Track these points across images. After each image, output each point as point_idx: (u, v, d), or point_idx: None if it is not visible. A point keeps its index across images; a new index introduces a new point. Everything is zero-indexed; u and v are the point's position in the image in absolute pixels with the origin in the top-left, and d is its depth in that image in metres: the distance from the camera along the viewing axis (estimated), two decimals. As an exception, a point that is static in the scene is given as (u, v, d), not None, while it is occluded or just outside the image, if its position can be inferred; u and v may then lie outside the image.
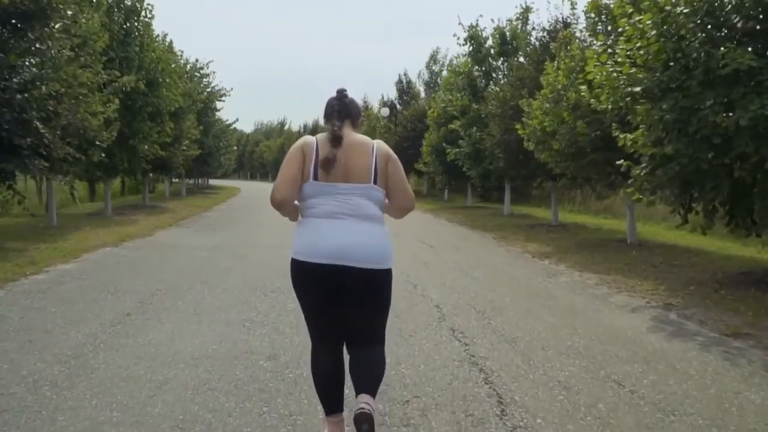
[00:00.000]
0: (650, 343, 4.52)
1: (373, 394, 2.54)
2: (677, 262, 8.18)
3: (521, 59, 15.62)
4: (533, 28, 14.91)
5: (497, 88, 15.40)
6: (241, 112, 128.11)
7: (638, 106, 6.30)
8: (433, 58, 39.09)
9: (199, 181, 37.13)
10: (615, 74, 6.73)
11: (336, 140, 2.59)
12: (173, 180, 29.37)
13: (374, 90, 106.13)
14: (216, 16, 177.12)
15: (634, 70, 6.46)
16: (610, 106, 7.11)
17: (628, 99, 6.82)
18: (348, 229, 2.53)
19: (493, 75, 17.08)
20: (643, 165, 6.83)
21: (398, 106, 32.94)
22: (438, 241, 10.68)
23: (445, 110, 20.34)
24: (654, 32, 6.25)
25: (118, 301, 5.66)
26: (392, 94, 37.51)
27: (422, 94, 37.34)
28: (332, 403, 2.69)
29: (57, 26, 11.06)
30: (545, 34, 13.51)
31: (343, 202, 2.56)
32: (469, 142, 16.93)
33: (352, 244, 2.51)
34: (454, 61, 21.51)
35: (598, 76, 6.80)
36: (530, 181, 14.94)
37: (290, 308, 5.39)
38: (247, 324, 4.85)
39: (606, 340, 4.57)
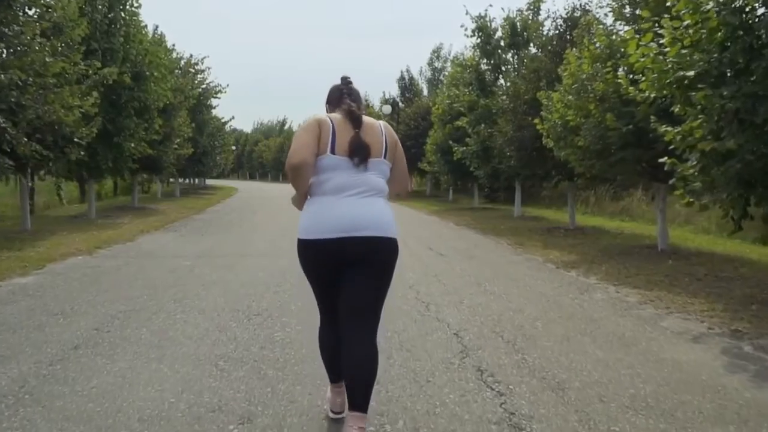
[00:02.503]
0: (735, 390, 3.52)
1: (365, 409, 2.55)
2: (724, 273, 7.17)
3: (533, 51, 14.61)
4: (548, 17, 13.89)
5: (508, 83, 14.38)
6: (240, 111, 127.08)
7: (693, 93, 5.29)
8: (436, 54, 38.05)
9: (196, 181, 36.15)
10: (661, 57, 5.73)
11: (358, 120, 2.67)
12: (170, 180, 28.44)
13: (375, 90, 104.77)
14: (215, 16, 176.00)
15: (686, 50, 5.46)
16: (653, 95, 6.10)
17: (674, 86, 5.84)
18: (356, 203, 2.59)
19: (503, 68, 16.02)
20: (694, 162, 5.84)
21: (400, 104, 31.87)
22: (448, 248, 9.68)
23: (450, 106, 19.31)
24: (711, 5, 5.26)
25: (69, 327, 4.66)
26: (393, 93, 36.52)
27: (425, 92, 36.27)
28: (338, 373, 2.80)
29: (31, 12, 10.14)
30: (562, 22, 12.50)
31: (353, 176, 2.61)
32: (477, 139, 15.91)
33: (361, 217, 2.58)
34: (459, 57, 20.43)
35: (642, 59, 5.79)
36: (545, 182, 13.92)
37: (277, 339, 4.40)
38: (221, 362, 3.85)
39: (677, 385, 3.57)
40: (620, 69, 8.21)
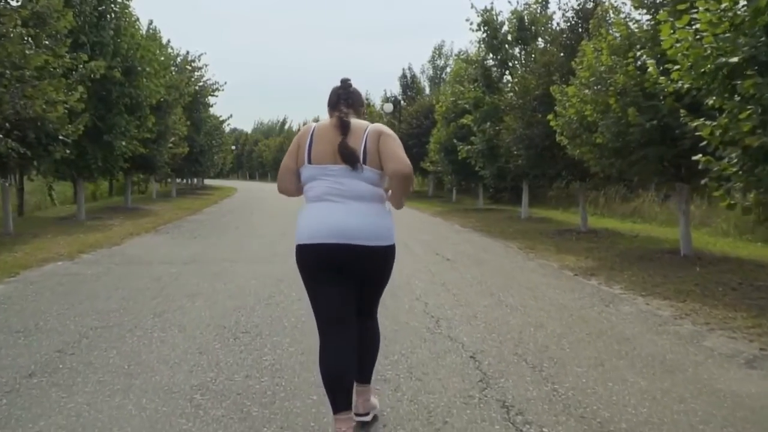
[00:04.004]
0: (816, 433, 2.92)
1: (368, 380, 2.92)
2: (760, 282, 6.56)
3: (541, 45, 14.00)
4: (559, 8, 13.25)
5: (515, 78, 13.77)
6: (240, 111, 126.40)
7: (739, 81, 4.69)
8: (438, 52, 37.39)
9: (195, 181, 35.53)
10: (698, 42, 5.12)
11: (344, 127, 2.66)
12: (167, 180, 27.84)
13: (375, 90, 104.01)
14: (216, 16, 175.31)
15: (729, 34, 4.86)
16: (687, 85, 5.50)
17: (713, 74, 5.24)
18: (339, 209, 2.60)
19: (509, 64, 15.37)
20: (734, 160, 5.24)
21: (402, 102, 31.21)
22: (455, 253, 9.07)
23: (455, 104, 18.67)
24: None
25: (28, 348, 4.06)
26: (395, 91, 35.80)
27: (427, 90, 35.62)
28: (340, 401, 2.62)
29: (13, 2, 9.57)
30: (573, 14, 11.87)
31: (333, 183, 2.63)
32: (483, 138, 15.29)
33: (345, 224, 2.58)
34: (464, 52, 19.77)
35: (677, 44, 5.18)
36: (554, 182, 13.29)
37: (266, 363, 3.79)
38: (198, 396, 3.25)
39: (744, 427, 2.97)
40: (641, 59, 7.63)
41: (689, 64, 5.22)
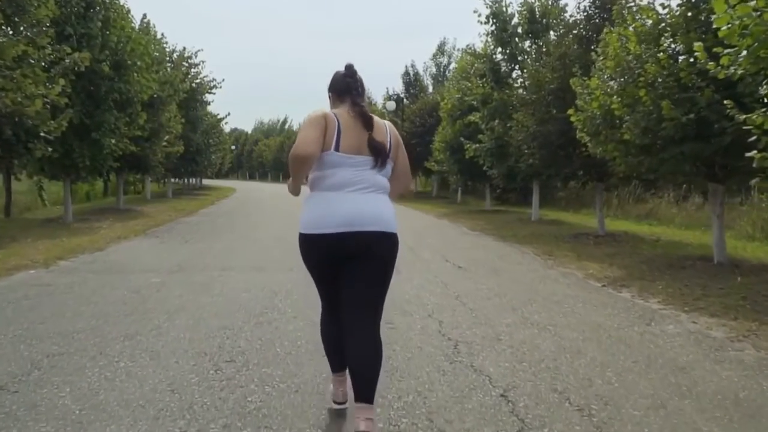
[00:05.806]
0: None
1: (371, 399, 2.59)
2: (815, 295, 5.84)
3: (554, 38, 13.26)
4: (574, -2, 12.51)
5: (527, 72, 13.03)
6: (241, 111, 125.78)
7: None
8: (441, 49, 36.64)
9: (192, 181, 34.81)
10: (759, 19, 4.39)
11: (370, 122, 2.72)
12: (164, 180, 27.13)
13: (376, 88, 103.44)
14: (216, 16, 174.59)
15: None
16: (741, 71, 4.77)
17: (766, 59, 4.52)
18: (358, 199, 2.65)
19: (519, 58, 14.62)
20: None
21: (405, 100, 30.45)
22: (467, 260, 8.33)
23: (461, 100, 17.93)
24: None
25: (-36, 384, 3.34)
26: (397, 90, 35.05)
27: (430, 89, 34.87)
28: (338, 363, 2.89)
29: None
30: (590, 3, 11.13)
31: (356, 173, 2.67)
32: (492, 136, 14.56)
33: (363, 212, 2.63)
34: (471, 47, 19.01)
35: (736, 22, 4.44)
36: (569, 182, 12.55)
37: (251, 406, 3.07)
38: (159, 458, 2.53)
39: None
40: (674, 47, 6.92)
41: (747, 45, 4.48)
